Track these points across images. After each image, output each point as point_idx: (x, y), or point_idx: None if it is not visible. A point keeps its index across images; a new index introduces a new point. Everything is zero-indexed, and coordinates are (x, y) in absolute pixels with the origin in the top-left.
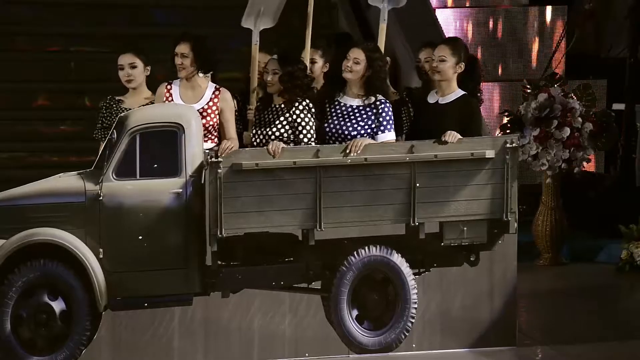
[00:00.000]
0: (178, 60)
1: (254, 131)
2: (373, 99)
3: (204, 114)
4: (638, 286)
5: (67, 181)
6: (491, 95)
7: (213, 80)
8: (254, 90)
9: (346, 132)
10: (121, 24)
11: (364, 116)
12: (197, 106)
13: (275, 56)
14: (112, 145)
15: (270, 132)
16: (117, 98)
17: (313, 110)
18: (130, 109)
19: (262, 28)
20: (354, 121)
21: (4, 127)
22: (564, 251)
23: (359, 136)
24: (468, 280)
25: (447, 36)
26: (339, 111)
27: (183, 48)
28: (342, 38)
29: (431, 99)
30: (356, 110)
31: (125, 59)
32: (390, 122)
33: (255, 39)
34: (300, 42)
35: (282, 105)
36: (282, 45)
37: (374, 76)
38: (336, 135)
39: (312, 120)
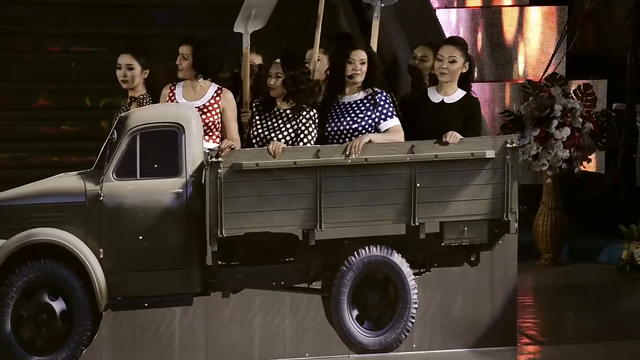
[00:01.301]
0: (178, 60)
1: (255, 132)
2: (370, 90)
3: (204, 110)
4: (638, 286)
5: (68, 181)
6: (491, 95)
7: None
8: (250, 95)
9: (347, 127)
10: (121, 24)
11: (363, 108)
12: (199, 103)
13: (277, 60)
14: (112, 145)
15: (275, 138)
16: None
17: (317, 120)
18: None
19: (252, 30)
20: (353, 115)
21: (4, 127)
22: (564, 251)
23: (360, 128)
24: (468, 280)
25: (447, 36)
26: (338, 111)
27: (185, 49)
28: (342, 38)
29: (434, 97)
30: (354, 105)
31: (123, 59)
32: (391, 109)
33: (247, 42)
34: (299, 42)
35: (289, 112)
36: (283, 46)
37: (373, 75)
38: (338, 132)
39: (316, 130)
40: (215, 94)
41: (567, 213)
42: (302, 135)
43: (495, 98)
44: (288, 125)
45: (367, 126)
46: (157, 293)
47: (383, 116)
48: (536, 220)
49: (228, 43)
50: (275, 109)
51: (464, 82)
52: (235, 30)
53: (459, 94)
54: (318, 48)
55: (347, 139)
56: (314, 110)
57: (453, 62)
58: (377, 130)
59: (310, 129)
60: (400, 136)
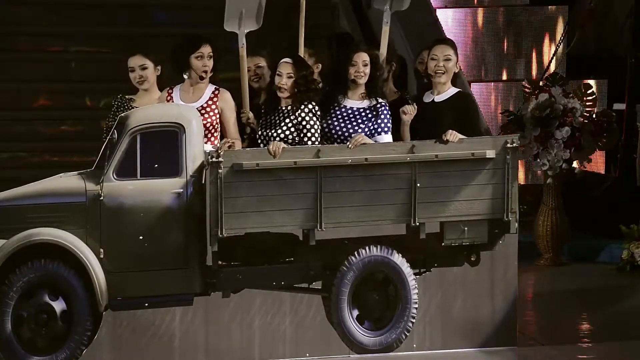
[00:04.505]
0: (204, 63)
1: (259, 132)
2: (374, 101)
3: (202, 112)
4: (638, 286)
5: (68, 181)
6: (491, 95)
7: (213, 81)
8: (259, 94)
9: (346, 134)
10: (121, 24)
11: (364, 118)
12: (197, 104)
13: (288, 59)
14: (112, 145)
15: (275, 134)
16: (127, 97)
17: (319, 113)
18: None
19: (247, 31)
20: (354, 123)
21: (4, 127)
22: (564, 251)
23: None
24: (468, 280)
25: (447, 36)
26: (339, 114)
27: (209, 49)
28: (342, 38)
29: (427, 98)
30: (357, 113)
31: (135, 61)
32: (389, 124)
33: (242, 41)
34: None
35: (288, 107)
36: (284, 45)
37: (376, 78)
38: (336, 136)
39: (318, 124)
40: (212, 95)
41: (568, 213)
42: (304, 130)
43: (495, 98)
44: (287, 120)
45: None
46: (158, 293)
47: (380, 129)
48: (536, 220)
49: (228, 43)
50: (279, 108)
51: (455, 81)
52: (227, 29)
53: (451, 91)
54: (304, 49)
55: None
56: (313, 103)
57: (448, 60)
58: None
59: (312, 122)
60: None
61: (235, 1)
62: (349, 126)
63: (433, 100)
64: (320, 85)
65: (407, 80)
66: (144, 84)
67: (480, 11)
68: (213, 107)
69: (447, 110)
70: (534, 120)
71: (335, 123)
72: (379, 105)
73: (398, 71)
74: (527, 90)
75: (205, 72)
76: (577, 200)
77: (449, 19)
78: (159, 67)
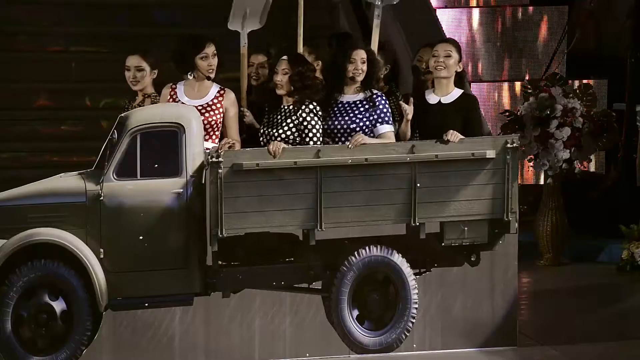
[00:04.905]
0: (210, 62)
1: (261, 131)
2: (369, 92)
3: (207, 108)
4: (638, 286)
5: (68, 181)
6: (491, 95)
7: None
8: (264, 91)
9: (345, 126)
10: (121, 24)
11: (362, 109)
12: (202, 101)
13: (284, 57)
14: (112, 146)
15: (276, 134)
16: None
17: (320, 113)
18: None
19: (250, 30)
20: (351, 115)
21: (4, 127)
22: (564, 251)
23: (358, 128)
24: (469, 280)
25: (447, 36)
26: (337, 110)
27: (213, 48)
28: (342, 38)
29: (431, 99)
30: (353, 105)
31: (132, 61)
32: (388, 114)
33: (244, 40)
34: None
35: (290, 106)
36: (283, 45)
37: (372, 74)
38: (336, 130)
39: (319, 123)
40: (217, 94)
41: (568, 213)
42: (306, 131)
43: (495, 98)
44: (289, 120)
45: (364, 127)
46: (157, 293)
47: (380, 119)
48: (536, 221)
49: (228, 43)
50: (282, 107)
51: (460, 81)
52: (230, 28)
53: (456, 93)
54: (302, 47)
55: (346, 137)
56: (314, 103)
57: (448, 56)
58: (372, 133)
59: (313, 123)
60: None
61: (242, 1)
62: (347, 118)
63: (440, 101)
64: (322, 85)
65: (398, 81)
66: (136, 85)
67: (479, 11)
68: (218, 105)
69: (455, 112)
70: (534, 120)
71: (334, 118)
72: (374, 96)
73: (389, 74)
74: (527, 90)
75: (211, 71)
76: (577, 200)
77: (449, 19)
78: (155, 71)
